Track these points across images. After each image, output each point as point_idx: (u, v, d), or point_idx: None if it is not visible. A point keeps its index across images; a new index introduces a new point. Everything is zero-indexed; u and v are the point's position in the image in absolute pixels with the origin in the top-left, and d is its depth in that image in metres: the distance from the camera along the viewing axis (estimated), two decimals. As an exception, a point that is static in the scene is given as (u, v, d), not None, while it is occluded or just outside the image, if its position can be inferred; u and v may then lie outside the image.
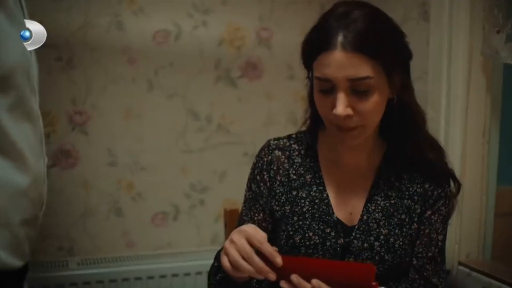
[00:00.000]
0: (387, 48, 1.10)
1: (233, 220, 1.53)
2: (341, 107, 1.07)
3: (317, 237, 1.18)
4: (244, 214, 1.27)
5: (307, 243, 1.18)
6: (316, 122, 1.26)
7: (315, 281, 0.96)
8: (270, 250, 0.98)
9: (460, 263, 1.67)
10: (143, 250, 2.06)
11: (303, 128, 1.30)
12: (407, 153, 1.21)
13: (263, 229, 1.17)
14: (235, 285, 1.09)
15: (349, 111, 1.08)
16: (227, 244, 1.01)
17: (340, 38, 1.06)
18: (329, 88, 1.09)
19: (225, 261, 1.01)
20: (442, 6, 1.65)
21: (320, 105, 1.13)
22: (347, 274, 0.96)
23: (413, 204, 1.22)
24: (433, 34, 1.69)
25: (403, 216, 1.21)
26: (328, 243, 1.18)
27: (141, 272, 1.92)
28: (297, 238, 1.19)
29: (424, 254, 1.21)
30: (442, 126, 1.68)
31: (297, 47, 2.18)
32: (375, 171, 1.23)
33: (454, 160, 1.64)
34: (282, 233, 1.20)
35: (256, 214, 1.25)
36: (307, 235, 1.18)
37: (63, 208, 1.97)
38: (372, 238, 1.18)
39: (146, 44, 2.01)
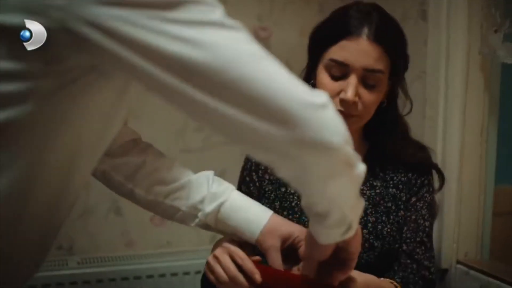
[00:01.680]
0: (400, 51, 1.20)
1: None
2: (352, 92, 1.14)
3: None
4: None
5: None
6: None
7: None
8: (251, 267, 1.02)
9: (458, 262, 1.67)
10: (143, 249, 2.07)
11: None
12: (389, 154, 1.27)
13: None
14: None
15: (356, 98, 1.14)
16: (211, 260, 1.06)
17: (365, 28, 1.14)
18: (341, 74, 1.16)
19: (210, 276, 1.06)
20: (440, 5, 1.66)
21: (325, 89, 1.15)
22: (315, 284, 0.99)
23: (398, 192, 1.26)
24: (431, 33, 1.70)
25: (389, 204, 1.25)
26: None
27: (140, 271, 1.92)
28: None
29: (412, 239, 1.25)
30: (440, 125, 1.69)
31: (295, 46, 2.19)
32: None
33: (452, 159, 1.65)
34: None
35: None
36: None
37: (62, 208, 1.98)
38: (360, 226, 1.20)
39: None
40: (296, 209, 1.25)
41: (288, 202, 1.26)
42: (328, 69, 1.17)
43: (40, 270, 1.84)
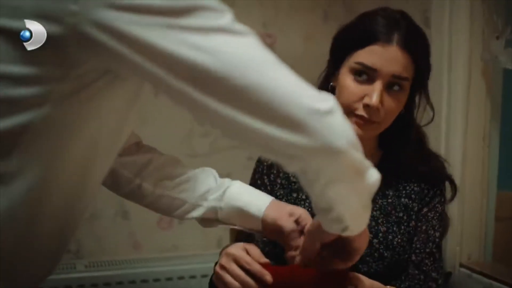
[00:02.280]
0: (425, 59, 1.21)
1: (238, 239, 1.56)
2: (377, 98, 1.14)
3: None
4: None
5: None
6: None
7: None
8: (259, 269, 1.02)
9: (461, 265, 1.69)
10: (149, 253, 2.09)
11: None
12: (403, 163, 1.27)
13: None
14: None
15: (380, 105, 1.14)
16: (219, 270, 1.06)
17: (396, 35, 1.15)
18: (367, 78, 1.15)
19: (220, 285, 1.06)
20: (442, 12, 1.69)
21: (348, 93, 1.17)
22: (324, 280, 1.02)
23: (410, 202, 1.26)
24: (434, 40, 1.72)
25: (401, 214, 1.25)
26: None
27: (147, 274, 1.95)
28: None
29: (422, 250, 1.25)
30: (443, 130, 1.71)
31: (300, 52, 2.22)
32: None
33: (455, 163, 1.67)
34: None
35: None
36: None
37: (70, 212, 2.01)
38: (371, 235, 1.21)
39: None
40: None
41: None
42: (353, 72, 1.17)
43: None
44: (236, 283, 1.02)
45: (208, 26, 0.73)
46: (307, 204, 1.25)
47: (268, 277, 1.01)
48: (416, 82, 1.21)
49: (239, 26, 0.77)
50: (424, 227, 1.26)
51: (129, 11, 0.70)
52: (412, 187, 1.27)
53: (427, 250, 1.25)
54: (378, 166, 1.26)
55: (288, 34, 2.20)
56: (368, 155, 1.24)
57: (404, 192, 1.26)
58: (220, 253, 1.20)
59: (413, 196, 1.26)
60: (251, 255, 1.04)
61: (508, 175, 1.83)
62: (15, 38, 0.72)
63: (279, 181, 1.29)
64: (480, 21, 1.65)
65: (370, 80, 1.15)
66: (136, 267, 1.97)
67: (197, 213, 1.12)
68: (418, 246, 1.25)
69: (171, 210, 1.13)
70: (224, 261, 1.05)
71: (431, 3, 1.73)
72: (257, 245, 1.11)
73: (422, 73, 1.20)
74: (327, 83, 1.25)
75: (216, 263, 1.09)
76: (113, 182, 1.13)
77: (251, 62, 0.74)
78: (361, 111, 1.15)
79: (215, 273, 1.08)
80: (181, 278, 1.97)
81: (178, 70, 0.72)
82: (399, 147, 1.25)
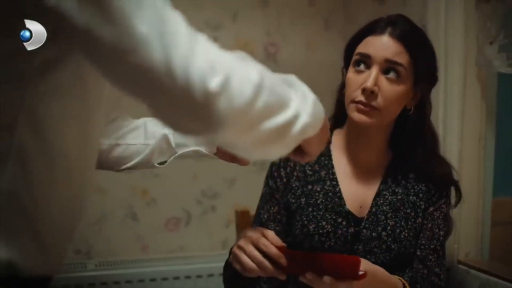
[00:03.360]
0: (422, 54, 1.28)
1: (244, 221, 1.62)
2: (372, 81, 1.23)
3: (329, 226, 1.29)
4: (260, 207, 1.38)
5: (320, 231, 1.28)
6: (335, 123, 1.39)
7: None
8: (275, 252, 1.08)
9: (459, 262, 1.75)
10: (157, 254, 2.16)
11: None
12: (413, 165, 1.34)
13: (278, 220, 1.33)
14: (245, 279, 1.19)
15: (376, 89, 1.23)
16: (237, 250, 1.11)
17: (390, 28, 1.26)
18: (364, 67, 1.25)
19: (237, 265, 1.11)
20: (438, 20, 1.75)
21: (350, 84, 1.27)
22: (337, 265, 1.06)
23: (418, 200, 1.33)
24: (431, 46, 1.79)
25: (409, 211, 1.31)
26: (339, 232, 1.28)
27: (155, 273, 2.01)
28: (311, 227, 1.29)
29: (427, 246, 1.31)
30: (440, 132, 1.76)
31: (302, 60, 2.29)
32: (384, 170, 1.35)
33: (452, 163, 1.73)
34: (297, 223, 1.31)
35: (272, 207, 1.35)
36: (320, 224, 1.29)
37: (81, 213, 2.07)
38: (380, 228, 1.28)
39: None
40: (321, 207, 1.30)
41: (313, 199, 1.32)
42: (354, 65, 1.28)
43: (59, 272, 1.94)
44: (252, 264, 1.08)
45: None
46: (321, 195, 1.31)
47: (283, 260, 1.06)
48: (417, 76, 1.27)
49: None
50: (429, 225, 1.32)
51: None
52: (420, 186, 1.34)
53: (432, 246, 1.31)
54: (389, 166, 1.35)
55: (290, 42, 2.28)
56: (380, 155, 1.34)
57: (412, 190, 1.33)
58: (230, 252, 1.26)
59: (420, 195, 1.33)
60: (268, 238, 1.09)
61: (503, 181, 1.88)
62: None
63: (295, 173, 1.35)
64: (474, 28, 1.71)
65: (367, 68, 1.25)
66: (144, 267, 2.03)
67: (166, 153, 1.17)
68: (423, 242, 1.32)
69: (129, 158, 1.17)
70: (242, 242, 1.11)
71: (427, 11, 1.79)
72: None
73: (420, 65, 1.27)
74: (341, 89, 1.34)
75: (233, 246, 1.14)
76: None
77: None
78: (359, 96, 1.24)
79: (232, 253, 1.13)
80: (188, 277, 2.03)
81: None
82: (410, 149, 1.32)
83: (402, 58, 1.25)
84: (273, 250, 1.08)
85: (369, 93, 1.23)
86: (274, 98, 0.77)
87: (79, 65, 0.78)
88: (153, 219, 2.16)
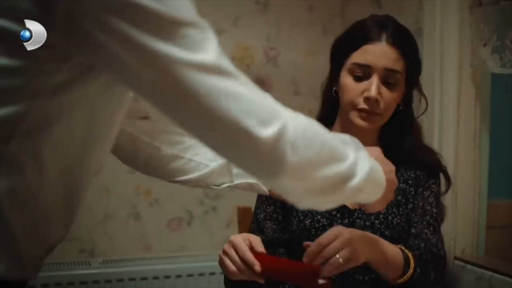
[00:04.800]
0: (413, 54, 1.35)
1: (246, 217, 1.66)
2: (375, 90, 1.28)
3: (324, 219, 1.33)
4: (257, 208, 1.43)
5: (316, 225, 1.33)
6: (322, 120, 1.42)
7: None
8: (250, 258, 1.12)
9: (455, 258, 1.79)
10: (159, 253, 2.19)
11: None
12: (403, 154, 1.38)
13: (274, 219, 1.37)
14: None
15: (379, 97, 1.28)
16: (222, 254, 1.18)
17: (384, 34, 1.29)
18: (364, 75, 1.29)
19: (222, 268, 1.19)
20: (434, 23, 1.81)
21: (349, 91, 1.31)
22: (299, 272, 1.12)
23: (407, 187, 1.38)
24: (426, 49, 1.84)
25: (399, 197, 1.36)
26: (334, 224, 1.33)
27: (158, 271, 2.04)
28: (307, 222, 1.33)
29: (420, 222, 1.35)
30: (436, 133, 1.81)
31: (302, 65, 2.35)
32: None
33: (447, 163, 1.77)
34: (293, 219, 1.35)
35: (268, 207, 1.40)
36: (315, 218, 1.33)
37: (84, 213, 2.09)
38: (372, 217, 1.33)
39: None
40: None
41: None
42: (351, 72, 1.31)
43: (64, 269, 1.98)
44: (233, 267, 1.14)
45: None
46: None
47: (257, 267, 1.11)
48: (409, 76, 1.34)
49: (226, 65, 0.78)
50: (420, 204, 1.37)
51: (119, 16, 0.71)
52: (409, 173, 1.39)
53: (425, 222, 1.35)
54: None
55: (290, 47, 2.34)
56: (372, 145, 1.37)
57: (402, 178, 1.38)
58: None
59: (410, 181, 1.38)
60: (251, 242, 1.15)
61: (498, 183, 1.93)
62: (8, 33, 0.74)
63: None
64: (469, 31, 1.76)
65: (367, 77, 1.30)
66: (147, 265, 2.07)
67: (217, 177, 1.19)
68: (416, 220, 1.35)
69: (187, 171, 1.19)
70: (226, 246, 1.17)
71: (423, 15, 1.86)
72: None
73: (412, 67, 1.34)
74: (330, 88, 1.39)
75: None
76: (133, 148, 1.18)
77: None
78: (362, 105, 1.29)
79: (219, 256, 1.19)
80: (190, 275, 2.06)
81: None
82: (400, 139, 1.38)
83: (399, 65, 1.31)
84: (247, 256, 1.12)
85: (373, 102, 1.28)
86: (332, 150, 0.83)
87: (91, 85, 0.80)
88: (156, 219, 2.20)
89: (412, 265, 1.24)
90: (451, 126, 1.79)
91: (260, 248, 1.15)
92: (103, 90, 0.83)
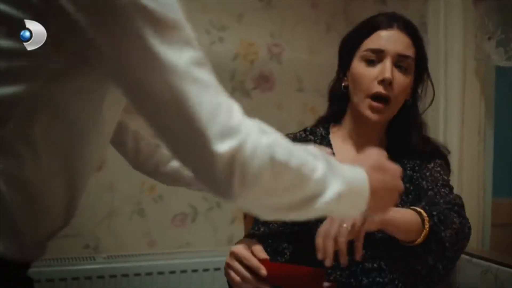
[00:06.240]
0: (422, 46, 1.36)
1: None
2: (390, 72, 1.28)
3: None
4: None
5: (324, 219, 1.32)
6: (330, 116, 1.44)
7: None
8: (255, 263, 1.13)
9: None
10: (163, 249, 2.19)
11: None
12: (408, 145, 1.39)
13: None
14: None
15: (392, 78, 1.28)
16: (226, 267, 1.18)
17: (395, 22, 1.32)
18: (377, 59, 1.30)
19: (228, 279, 1.19)
20: (438, 18, 1.83)
21: (363, 77, 1.31)
22: (304, 276, 1.11)
23: (414, 173, 1.38)
24: (431, 43, 1.85)
25: (407, 185, 1.36)
26: None
27: (163, 267, 2.03)
28: (313, 220, 1.33)
29: (434, 185, 1.33)
30: (441, 126, 1.83)
31: (305, 62, 2.35)
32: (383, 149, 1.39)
33: (452, 156, 1.77)
34: None
35: None
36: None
37: (89, 209, 2.09)
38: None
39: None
40: None
41: None
42: (364, 59, 1.32)
43: (69, 264, 1.97)
44: (237, 278, 1.15)
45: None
46: None
47: (263, 271, 1.12)
48: (418, 66, 1.35)
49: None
50: (428, 173, 1.35)
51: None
52: (414, 161, 1.40)
53: (439, 184, 1.33)
54: (387, 149, 1.39)
55: (294, 44, 2.35)
56: (378, 144, 1.38)
57: (408, 166, 1.38)
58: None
59: (416, 168, 1.38)
60: (253, 250, 1.15)
61: (501, 181, 1.94)
62: (7, 16, 0.76)
63: None
64: (473, 25, 1.78)
65: (380, 61, 1.30)
66: (152, 260, 2.06)
67: None
68: (428, 186, 1.33)
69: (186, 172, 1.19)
70: (229, 259, 1.18)
71: (428, 10, 1.87)
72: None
73: (422, 56, 1.35)
74: (339, 85, 1.39)
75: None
76: (136, 146, 1.20)
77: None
78: (377, 88, 1.29)
79: (224, 271, 1.20)
80: (195, 271, 2.06)
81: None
82: (406, 134, 1.38)
83: (411, 51, 1.32)
84: (253, 263, 1.13)
85: (388, 84, 1.28)
86: (297, 173, 0.78)
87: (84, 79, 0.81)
88: (160, 215, 2.20)
89: (427, 224, 1.20)
90: (455, 119, 1.80)
91: (263, 254, 1.16)
92: (97, 85, 0.83)
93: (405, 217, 1.20)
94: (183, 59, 0.73)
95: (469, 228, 1.28)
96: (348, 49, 1.38)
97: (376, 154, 1.00)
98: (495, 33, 1.72)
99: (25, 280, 0.89)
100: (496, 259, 1.68)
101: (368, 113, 1.31)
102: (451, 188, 1.36)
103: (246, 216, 1.72)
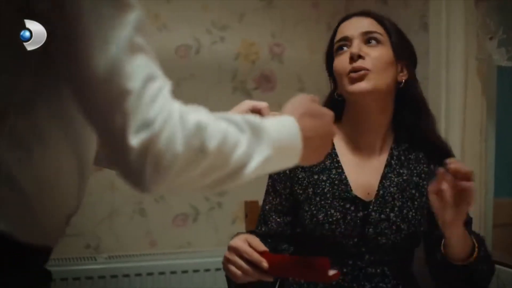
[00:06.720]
0: (395, 30, 1.37)
1: (253, 211, 1.66)
2: (356, 47, 1.31)
3: (338, 213, 1.32)
4: (264, 199, 1.42)
5: (330, 219, 1.31)
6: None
7: None
8: (257, 257, 1.12)
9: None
10: (165, 249, 2.19)
11: None
12: (415, 146, 1.38)
13: (279, 211, 1.36)
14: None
15: (362, 53, 1.30)
16: (225, 262, 1.17)
17: (354, 14, 1.38)
18: (346, 48, 1.33)
19: (228, 275, 1.18)
20: (439, 18, 1.82)
21: (337, 65, 1.34)
22: (308, 266, 1.10)
23: (421, 181, 1.37)
24: (433, 43, 1.85)
25: (413, 191, 1.36)
26: (348, 217, 1.31)
27: (164, 267, 2.04)
28: (321, 216, 1.32)
29: None
30: (442, 126, 1.82)
31: (306, 61, 2.35)
32: (387, 153, 1.39)
33: (454, 153, 1.78)
34: (305, 214, 1.34)
35: (273, 199, 1.39)
36: (329, 212, 1.32)
37: (90, 209, 2.09)
38: (388, 209, 1.32)
39: (169, 58, 2.17)
40: (328, 195, 1.33)
41: (320, 189, 1.35)
42: (336, 53, 1.36)
43: (70, 264, 1.97)
44: (239, 272, 1.14)
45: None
46: (327, 184, 1.35)
47: (264, 263, 1.11)
48: (395, 45, 1.35)
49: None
50: None
51: None
52: (422, 167, 1.39)
53: None
54: (392, 148, 1.40)
55: (295, 44, 2.35)
56: (381, 138, 1.38)
57: (415, 171, 1.38)
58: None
59: (423, 175, 1.38)
60: (251, 244, 1.15)
61: (503, 181, 1.93)
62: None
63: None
64: (474, 24, 1.77)
65: (349, 47, 1.34)
66: (153, 260, 2.06)
67: None
68: None
69: None
70: (227, 254, 1.17)
71: (429, 9, 1.86)
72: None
73: (394, 35, 1.36)
74: (332, 92, 1.41)
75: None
76: None
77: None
78: (349, 67, 1.31)
79: (222, 265, 1.19)
80: (196, 271, 2.06)
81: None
82: (412, 127, 1.38)
83: (376, 27, 1.36)
84: (254, 256, 1.13)
85: (357, 58, 1.30)
86: (218, 154, 0.76)
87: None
88: (162, 215, 2.20)
89: (476, 244, 1.25)
90: (457, 119, 1.79)
91: (261, 247, 1.15)
92: None
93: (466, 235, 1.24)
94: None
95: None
96: (327, 56, 1.41)
97: (307, 100, 0.98)
98: (496, 33, 1.72)
99: (43, 273, 0.89)
100: (498, 259, 1.68)
101: (350, 87, 1.31)
102: None
103: (247, 216, 1.72)
